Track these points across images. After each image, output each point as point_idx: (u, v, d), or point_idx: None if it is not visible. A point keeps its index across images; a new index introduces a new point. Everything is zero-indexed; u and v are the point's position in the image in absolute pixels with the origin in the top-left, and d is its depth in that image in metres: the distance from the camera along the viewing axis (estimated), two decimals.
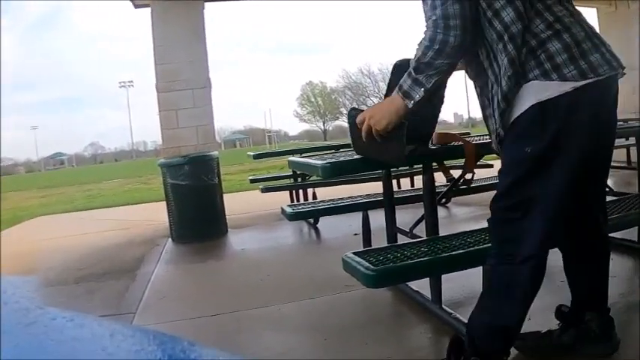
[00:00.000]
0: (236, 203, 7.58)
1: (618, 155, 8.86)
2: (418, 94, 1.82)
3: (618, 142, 8.33)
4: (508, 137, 1.85)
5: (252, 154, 6.93)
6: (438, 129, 2.55)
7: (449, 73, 1.87)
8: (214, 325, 3.05)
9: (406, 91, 1.83)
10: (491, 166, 5.45)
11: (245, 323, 3.02)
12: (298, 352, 2.59)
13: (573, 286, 2.20)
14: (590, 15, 10.10)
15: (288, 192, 6.59)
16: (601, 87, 1.80)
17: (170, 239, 5.68)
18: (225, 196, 6.05)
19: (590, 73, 1.76)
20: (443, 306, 2.79)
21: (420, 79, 1.81)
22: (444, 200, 5.41)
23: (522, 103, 1.78)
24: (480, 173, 4.50)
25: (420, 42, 1.84)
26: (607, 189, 2.25)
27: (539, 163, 1.80)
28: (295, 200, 6.42)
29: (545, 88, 1.75)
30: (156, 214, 7.16)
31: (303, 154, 5.36)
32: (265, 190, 6.45)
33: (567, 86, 1.75)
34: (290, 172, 6.58)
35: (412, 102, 1.83)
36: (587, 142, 1.82)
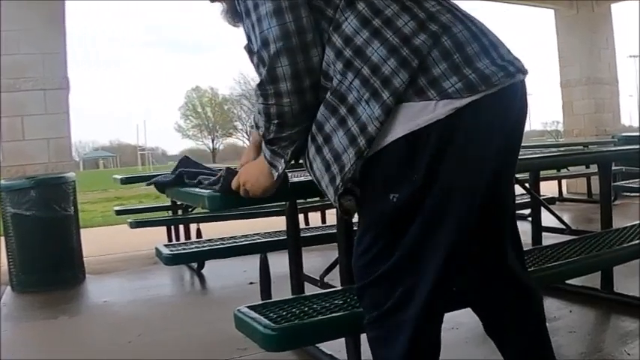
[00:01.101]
0: (97, 241, 7.40)
1: (578, 186, 9.30)
2: (280, 165, 1.85)
3: (577, 170, 8.69)
4: (365, 185, 1.82)
5: (119, 177, 6.78)
6: None
7: (306, 132, 1.85)
8: None
9: (270, 162, 1.87)
10: None
11: None
12: None
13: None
14: (547, 18, 10.48)
15: (165, 228, 6.51)
16: (496, 101, 1.71)
17: (9, 287, 5.48)
18: (83, 231, 5.91)
19: (480, 85, 1.68)
20: None
21: (276, 150, 1.84)
22: None
23: (384, 136, 1.70)
24: None
25: (256, 110, 1.86)
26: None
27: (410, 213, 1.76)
28: (174, 239, 6.35)
29: (418, 111, 1.68)
30: None
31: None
32: (135, 224, 6.30)
33: (448, 107, 1.66)
34: (168, 203, 6.49)
35: (277, 173, 1.86)
36: (478, 178, 1.76)
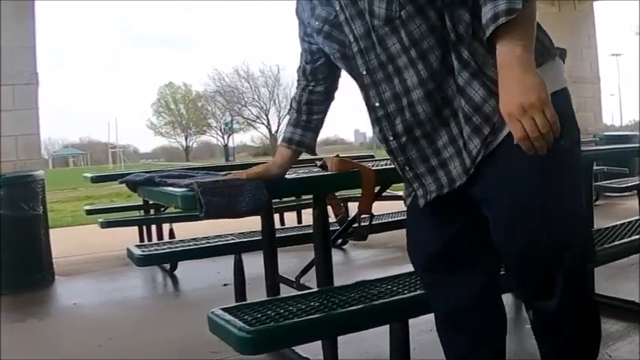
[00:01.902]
0: (67, 241, 7.36)
1: None
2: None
3: None
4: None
5: (89, 175, 6.74)
6: (338, 151, 2.58)
7: None
8: None
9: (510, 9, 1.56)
10: (399, 197, 5.58)
11: None
12: None
13: None
14: None
15: (136, 228, 6.49)
16: None
17: None
18: (52, 231, 5.88)
19: None
20: None
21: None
22: (339, 241, 5.49)
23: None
24: (384, 207, 4.61)
25: None
26: None
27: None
28: (146, 239, 6.32)
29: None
30: None
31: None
32: (106, 224, 6.28)
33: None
34: (140, 202, 6.46)
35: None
36: None
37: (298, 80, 2.31)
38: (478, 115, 1.71)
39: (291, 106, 2.34)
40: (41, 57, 5.86)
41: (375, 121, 1.93)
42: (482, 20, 1.61)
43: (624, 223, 3.53)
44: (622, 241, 3.21)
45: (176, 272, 5.63)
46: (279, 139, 2.38)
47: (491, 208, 1.82)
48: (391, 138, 1.89)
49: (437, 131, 1.82)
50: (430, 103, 1.78)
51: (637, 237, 3.24)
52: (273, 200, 3.00)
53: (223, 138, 72.76)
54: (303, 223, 6.12)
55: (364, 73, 1.88)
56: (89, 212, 7.44)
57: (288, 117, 2.39)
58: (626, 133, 12.13)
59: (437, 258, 2.01)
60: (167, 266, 5.68)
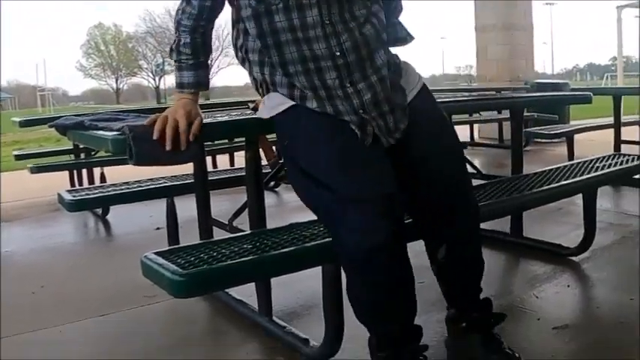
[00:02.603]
0: None
1: (489, 131, 9.49)
2: None
3: (489, 115, 8.93)
4: None
5: (18, 119, 6.58)
6: None
7: None
8: None
9: None
10: None
11: (13, 354, 2.86)
12: None
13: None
14: None
15: (67, 172, 6.41)
16: None
17: None
18: None
19: None
20: (274, 318, 2.83)
21: None
22: (272, 183, 5.50)
23: None
24: None
25: None
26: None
27: None
28: (77, 184, 6.24)
29: None
30: None
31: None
32: (36, 169, 6.18)
33: None
34: (70, 146, 6.35)
35: None
36: None
37: (184, 22, 2.30)
38: None
39: (180, 51, 2.31)
40: None
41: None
42: None
43: (552, 169, 3.60)
44: (550, 185, 3.28)
45: (108, 217, 5.58)
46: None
47: None
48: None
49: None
50: None
51: (564, 182, 3.32)
52: (205, 143, 2.98)
53: (155, 80, 71.86)
54: (236, 166, 6.11)
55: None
56: (18, 157, 7.24)
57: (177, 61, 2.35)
58: (557, 81, 12.33)
59: None
60: (99, 211, 5.62)
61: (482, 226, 3.66)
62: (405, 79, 2.31)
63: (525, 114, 4.37)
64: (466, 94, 5.42)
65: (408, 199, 2.22)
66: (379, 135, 2.16)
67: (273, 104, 2.26)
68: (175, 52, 2.31)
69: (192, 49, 2.30)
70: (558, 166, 3.68)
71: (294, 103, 2.19)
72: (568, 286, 3.27)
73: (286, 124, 2.25)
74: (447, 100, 3.60)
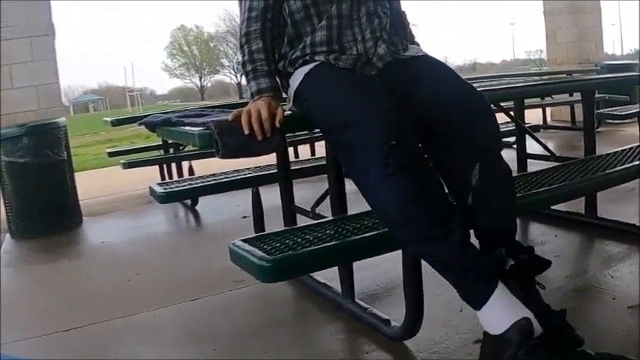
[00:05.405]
0: (92, 184, 7.41)
1: (562, 114, 9.29)
2: None
3: (561, 98, 8.70)
4: None
5: (109, 119, 6.74)
6: None
7: None
8: (71, 342, 2.95)
9: None
10: None
11: (111, 337, 2.95)
12: None
13: None
14: None
15: (157, 167, 6.52)
16: None
17: (8, 234, 5.47)
18: (77, 175, 5.89)
19: None
20: (356, 300, 2.83)
21: None
22: None
23: None
24: None
25: None
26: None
27: None
28: (167, 177, 6.34)
29: None
30: None
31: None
32: (128, 165, 6.30)
33: None
34: (159, 142, 6.47)
35: None
36: None
37: (252, 28, 2.33)
38: None
39: (254, 58, 2.32)
40: (59, 6, 5.80)
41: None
42: None
43: (625, 149, 3.51)
44: (623, 166, 3.20)
45: (197, 207, 5.66)
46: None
47: None
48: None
49: None
50: None
51: (637, 162, 3.22)
52: (287, 134, 3.00)
53: (236, 76, 72.34)
54: (317, 155, 6.12)
55: None
56: (111, 154, 7.45)
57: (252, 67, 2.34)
58: (627, 62, 11.94)
59: None
60: (188, 202, 5.72)
61: (558, 207, 3.61)
62: (411, 46, 2.41)
63: (596, 95, 4.25)
64: (537, 78, 5.31)
65: (433, 150, 2.21)
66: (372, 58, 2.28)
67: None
68: (249, 62, 2.31)
69: (266, 54, 2.30)
70: (631, 146, 3.58)
71: (305, 72, 2.29)
72: None
73: (301, 94, 2.33)
74: (520, 84, 3.54)
